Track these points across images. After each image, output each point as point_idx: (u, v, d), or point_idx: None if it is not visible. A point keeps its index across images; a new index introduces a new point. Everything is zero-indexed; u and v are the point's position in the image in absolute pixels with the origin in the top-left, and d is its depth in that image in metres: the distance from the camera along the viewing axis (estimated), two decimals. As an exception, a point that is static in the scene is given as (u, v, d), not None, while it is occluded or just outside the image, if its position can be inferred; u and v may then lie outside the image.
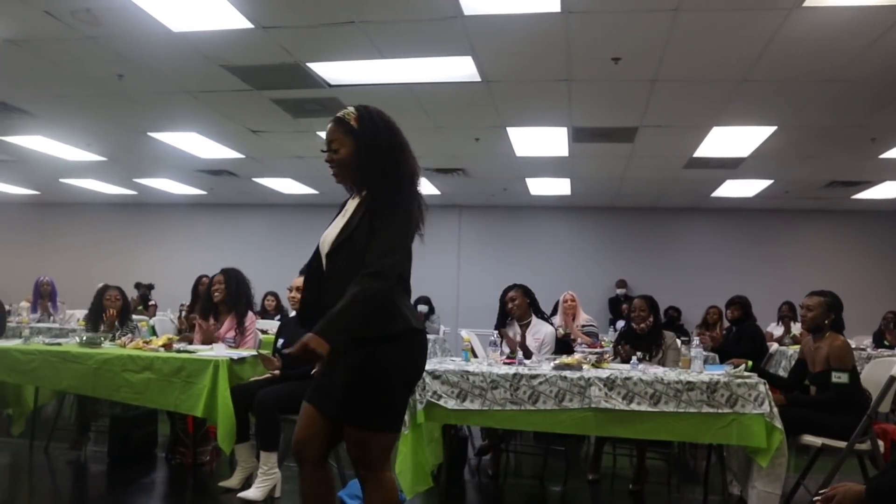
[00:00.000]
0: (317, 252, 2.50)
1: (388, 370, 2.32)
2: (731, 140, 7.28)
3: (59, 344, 4.77)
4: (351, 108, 2.44)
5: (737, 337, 6.75)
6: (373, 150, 2.38)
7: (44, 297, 7.90)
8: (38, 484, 4.69)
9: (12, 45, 5.15)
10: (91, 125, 7.48)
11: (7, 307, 5.65)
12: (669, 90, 5.79)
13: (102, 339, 4.87)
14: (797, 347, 6.57)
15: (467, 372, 3.88)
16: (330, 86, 5.91)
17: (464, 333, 4.88)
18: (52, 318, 7.64)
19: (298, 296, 4.61)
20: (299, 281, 4.66)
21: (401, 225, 2.33)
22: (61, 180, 10.83)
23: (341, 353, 2.25)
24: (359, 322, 2.23)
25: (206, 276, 7.06)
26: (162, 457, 5.07)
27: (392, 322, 2.33)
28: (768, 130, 6.92)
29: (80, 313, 7.06)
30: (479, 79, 5.63)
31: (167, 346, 4.56)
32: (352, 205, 2.47)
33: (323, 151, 2.48)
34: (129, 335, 4.98)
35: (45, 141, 8.15)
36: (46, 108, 6.89)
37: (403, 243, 2.34)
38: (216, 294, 5.02)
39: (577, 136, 7.31)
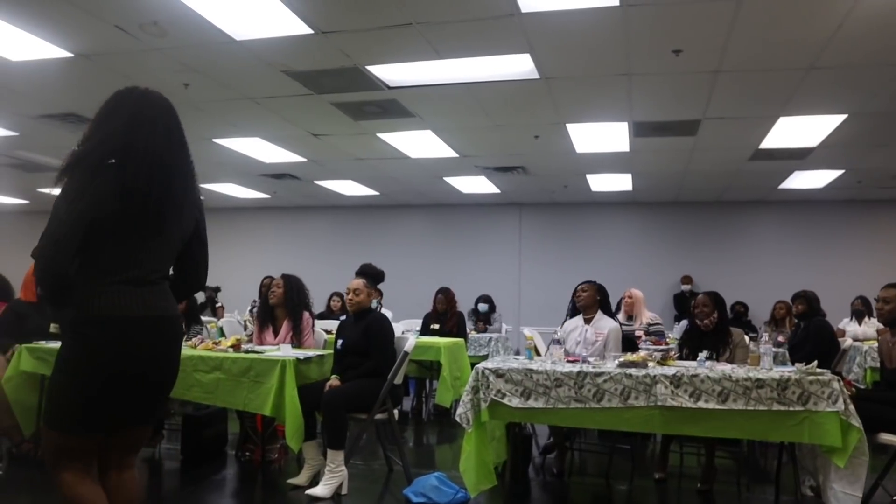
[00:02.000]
0: None
1: (58, 364, 2.20)
2: (798, 130, 7.06)
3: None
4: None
5: (805, 334, 6.55)
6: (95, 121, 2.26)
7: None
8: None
9: (85, 60, 5.37)
10: (159, 133, 7.70)
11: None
12: (733, 81, 5.65)
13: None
14: (873, 343, 6.35)
15: (531, 370, 3.86)
16: (389, 87, 5.97)
17: (527, 332, 4.88)
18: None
19: (356, 297, 4.71)
20: (356, 283, 4.73)
21: (63, 199, 2.09)
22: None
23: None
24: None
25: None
26: (232, 454, 5.22)
27: (65, 311, 2.17)
28: (838, 119, 6.68)
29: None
30: (537, 76, 5.60)
31: (236, 347, 4.67)
32: None
33: None
34: (200, 336, 5.13)
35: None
36: (118, 118, 7.13)
37: (59, 225, 2.06)
38: (272, 297, 5.11)
39: (638, 130, 7.20)
